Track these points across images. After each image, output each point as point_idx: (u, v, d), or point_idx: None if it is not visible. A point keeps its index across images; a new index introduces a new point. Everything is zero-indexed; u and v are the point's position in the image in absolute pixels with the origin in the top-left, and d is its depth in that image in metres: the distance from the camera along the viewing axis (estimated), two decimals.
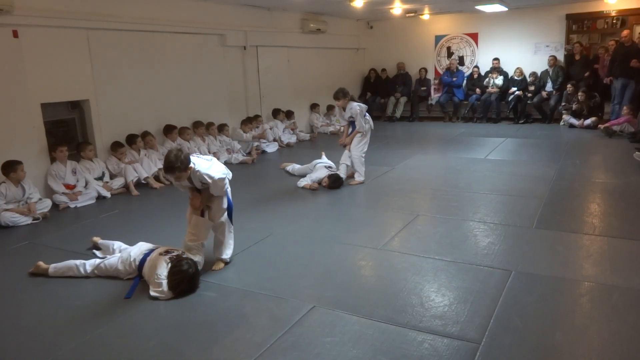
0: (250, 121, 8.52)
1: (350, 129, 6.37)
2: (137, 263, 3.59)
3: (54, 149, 5.73)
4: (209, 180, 3.53)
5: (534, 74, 10.87)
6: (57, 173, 5.70)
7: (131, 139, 6.61)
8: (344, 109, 6.20)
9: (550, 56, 10.60)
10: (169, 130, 7.16)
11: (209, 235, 3.78)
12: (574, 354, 2.62)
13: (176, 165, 3.36)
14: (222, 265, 3.84)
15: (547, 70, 10.64)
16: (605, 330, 2.81)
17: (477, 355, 2.57)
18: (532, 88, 10.78)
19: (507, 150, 8.07)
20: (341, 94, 6.08)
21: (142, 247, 3.75)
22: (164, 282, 3.34)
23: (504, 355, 2.58)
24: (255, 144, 8.50)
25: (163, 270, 3.39)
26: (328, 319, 2.98)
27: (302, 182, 6.18)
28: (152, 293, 3.35)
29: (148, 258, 3.56)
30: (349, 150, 6.29)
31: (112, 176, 6.32)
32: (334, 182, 6.00)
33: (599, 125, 9.21)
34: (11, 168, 5.15)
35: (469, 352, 2.60)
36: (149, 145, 6.78)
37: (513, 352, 2.60)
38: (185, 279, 3.35)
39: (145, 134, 6.82)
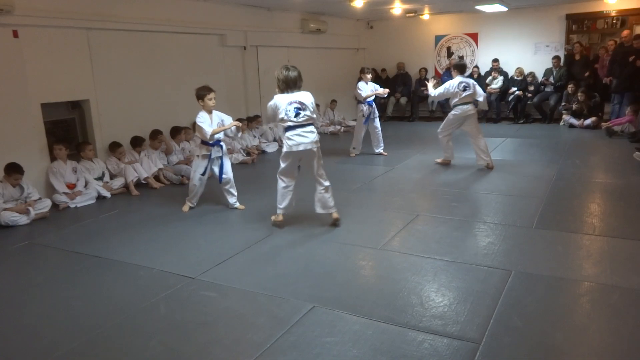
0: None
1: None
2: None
3: (54, 148, 5.73)
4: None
5: (531, 74, 10.87)
6: (58, 170, 5.69)
7: (136, 141, 6.66)
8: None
9: (554, 58, 10.58)
10: (176, 132, 7.18)
11: None
12: (574, 354, 2.62)
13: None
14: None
15: (551, 69, 10.61)
16: (605, 330, 2.81)
17: (477, 355, 2.57)
18: (531, 88, 10.78)
19: (507, 150, 8.07)
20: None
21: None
22: None
23: (504, 355, 2.58)
24: (255, 143, 8.51)
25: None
26: (328, 319, 2.98)
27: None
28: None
29: None
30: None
31: (112, 176, 6.31)
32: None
33: (602, 124, 9.19)
34: (6, 172, 5.16)
35: (469, 352, 2.60)
36: (154, 147, 6.81)
37: (513, 352, 2.60)
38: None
39: (155, 133, 6.87)
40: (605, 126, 8.92)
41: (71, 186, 5.75)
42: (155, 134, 6.86)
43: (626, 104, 9.05)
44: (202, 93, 4.99)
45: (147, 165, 6.49)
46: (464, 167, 6.94)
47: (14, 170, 5.15)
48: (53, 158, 5.80)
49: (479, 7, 10.48)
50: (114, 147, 6.41)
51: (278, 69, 4.46)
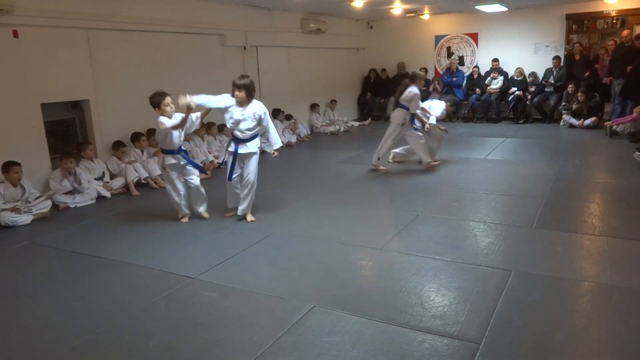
0: None
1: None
2: None
3: (61, 160, 5.65)
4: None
5: (533, 74, 10.87)
6: (61, 184, 5.64)
7: (135, 137, 6.64)
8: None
9: (554, 58, 10.57)
10: None
11: None
12: (574, 354, 2.62)
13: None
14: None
15: (551, 69, 10.61)
16: (605, 330, 2.81)
17: (477, 355, 2.57)
18: (532, 88, 10.78)
19: (507, 150, 8.07)
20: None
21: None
22: None
23: (504, 355, 2.58)
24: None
25: None
26: (328, 319, 2.98)
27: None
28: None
29: None
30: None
31: (112, 176, 6.32)
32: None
33: (605, 123, 9.14)
34: (5, 169, 5.16)
35: (469, 352, 2.60)
36: (153, 145, 6.79)
37: (513, 352, 2.60)
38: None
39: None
40: (609, 125, 8.86)
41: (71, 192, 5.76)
42: None
43: (631, 105, 9.01)
44: (157, 100, 4.59)
45: (152, 166, 6.47)
46: (463, 167, 6.94)
47: (11, 164, 5.16)
48: (55, 165, 5.78)
49: (479, 7, 10.48)
50: (117, 146, 6.41)
51: (247, 79, 4.70)
